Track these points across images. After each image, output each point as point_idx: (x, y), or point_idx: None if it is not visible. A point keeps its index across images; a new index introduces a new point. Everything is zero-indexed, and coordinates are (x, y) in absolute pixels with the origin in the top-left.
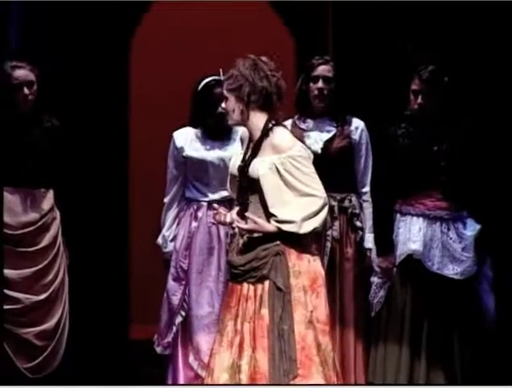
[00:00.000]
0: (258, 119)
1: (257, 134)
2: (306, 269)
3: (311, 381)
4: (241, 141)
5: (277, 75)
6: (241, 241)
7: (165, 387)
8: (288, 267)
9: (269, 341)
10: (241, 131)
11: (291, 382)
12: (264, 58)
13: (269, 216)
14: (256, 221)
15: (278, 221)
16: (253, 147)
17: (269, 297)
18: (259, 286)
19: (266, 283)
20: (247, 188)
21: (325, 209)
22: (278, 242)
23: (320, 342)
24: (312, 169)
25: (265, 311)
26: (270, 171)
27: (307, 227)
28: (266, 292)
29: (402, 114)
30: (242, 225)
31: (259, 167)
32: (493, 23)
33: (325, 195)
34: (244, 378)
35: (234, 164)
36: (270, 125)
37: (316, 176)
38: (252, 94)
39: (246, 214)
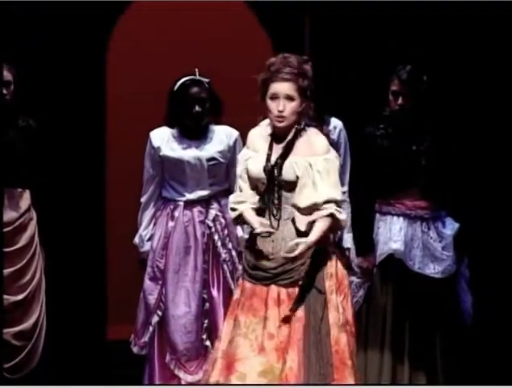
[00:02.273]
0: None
1: (288, 134)
2: (335, 270)
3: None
4: (249, 144)
5: None
6: (271, 243)
7: (165, 387)
8: (323, 269)
9: (305, 344)
10: (251, 132)
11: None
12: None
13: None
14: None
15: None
16: (286, 147)
17: (308, 300)
18: (295, 289)
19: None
20: (279, 189)
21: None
22: None
23: (350, 344)
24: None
25: (301, 314)
26: (305, 171)
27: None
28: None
29: (380, 114)
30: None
31: (296, 168)
32: (471, 21)
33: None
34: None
35: (257, 167)
36: (304, 125)
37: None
38: (312, 91)
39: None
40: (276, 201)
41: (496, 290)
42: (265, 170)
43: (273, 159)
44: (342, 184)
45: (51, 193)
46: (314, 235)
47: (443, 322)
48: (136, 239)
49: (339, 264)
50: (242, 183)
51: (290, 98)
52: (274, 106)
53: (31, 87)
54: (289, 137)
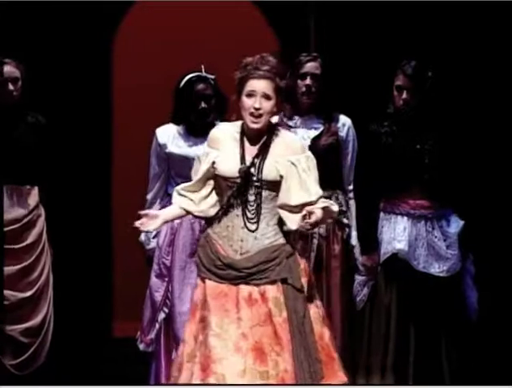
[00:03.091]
0: None
1: (261, 133)
2: (304, 267)
3: (335, 379)
4: (212, 143)
5: None
6: (239, 242)
7: (165, 387)
8: (299, 266)
9: (293, 344)
10: (215, 131)
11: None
12: None
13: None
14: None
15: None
16: (262, 147)
17: (288, 300)
18: (268, 288)
19: (280, 285)
20: (257, 189)
21: None
22: (285, 242)
23: (331, 338)
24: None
25: (285, 314)
26: (290, 170)
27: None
28: (282, 294)
29: (385, 112)
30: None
31: (279, 168)
32: (476, 19)
33: None
34: (273, 383)
35: (229, 167)
36: (274, 125)
37: None
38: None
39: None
40: (253, 202)
41: (501, 286)
42: (240, 170)
43: (248, 159)
44: (350, 182)
45: (58, 190)
46: (319, 212)
47: (448, 321)
48: (142, 236)
49: (304, 261)
50: (196, 183)
51: (267, 96)
52: (250, 103)
53: (39, 84)
54: (265, 137)
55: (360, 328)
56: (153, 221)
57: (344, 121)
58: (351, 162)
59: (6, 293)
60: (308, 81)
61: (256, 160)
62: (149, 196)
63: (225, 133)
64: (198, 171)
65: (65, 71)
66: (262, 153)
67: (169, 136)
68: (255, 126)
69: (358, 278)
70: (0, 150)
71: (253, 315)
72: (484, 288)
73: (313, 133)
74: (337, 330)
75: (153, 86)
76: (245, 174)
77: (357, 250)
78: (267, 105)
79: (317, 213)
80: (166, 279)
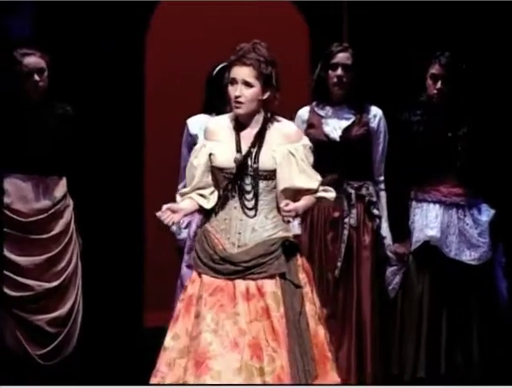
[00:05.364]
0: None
1: (251, 122)
2: (301, 263)
3: (328, 379)
4: (209, 135)
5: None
6: (237, 235)
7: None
8: (295, 262)
9: (289, 341)
10: (210, 123)
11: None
12: None
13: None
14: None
15: (321, 191)
16: (257, 136)
17: (285, 295)
18: (266, 282)
19: (278, 279)
20: (253, 179)
21: None
22: (284, 236)
23: (326, 336)
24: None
25: (282, 309)
26: (287, 159)
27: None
28: (279, 288)
29: (417, 100)
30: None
31: (276, 157)
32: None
33: None
34: (269, 380)
35: (225, 157)
36: (271, 114)
37: None
38: (278, 80)
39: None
40: (249, 192)
41: None
42: (235, 159)
43: (244, 149)
44: (381, 173)
45: (88, 180)
46: (304, 200)
47: (480, 309)
48: (174, 226)
49: (303, 256)
50: (198, 174)
51: (248, 84)
52: (232, 91)
53: (70, 75)
54: (259, 127)
55: (393, 317)
56: (175, 215)
57: (375, 112)
58: (382, 154)
59: (32, 282)
60: (339, 71)
61: (252, 149)
62: (181, 187)
63: (221, 125)
64: (196, 166)
65: (97, 62)
66: (258, 142)
67: (200, 126)
68: (238, 111)
69: (389, 267)
70: (26, 141)
71: (250, 310)
72: None
73: (345, 124)
74: (366, 321)
75: (185, 75)
76: (241, 163)
77: (387, 241)
78: (248, 92)
79: (297, 203)
80: None
